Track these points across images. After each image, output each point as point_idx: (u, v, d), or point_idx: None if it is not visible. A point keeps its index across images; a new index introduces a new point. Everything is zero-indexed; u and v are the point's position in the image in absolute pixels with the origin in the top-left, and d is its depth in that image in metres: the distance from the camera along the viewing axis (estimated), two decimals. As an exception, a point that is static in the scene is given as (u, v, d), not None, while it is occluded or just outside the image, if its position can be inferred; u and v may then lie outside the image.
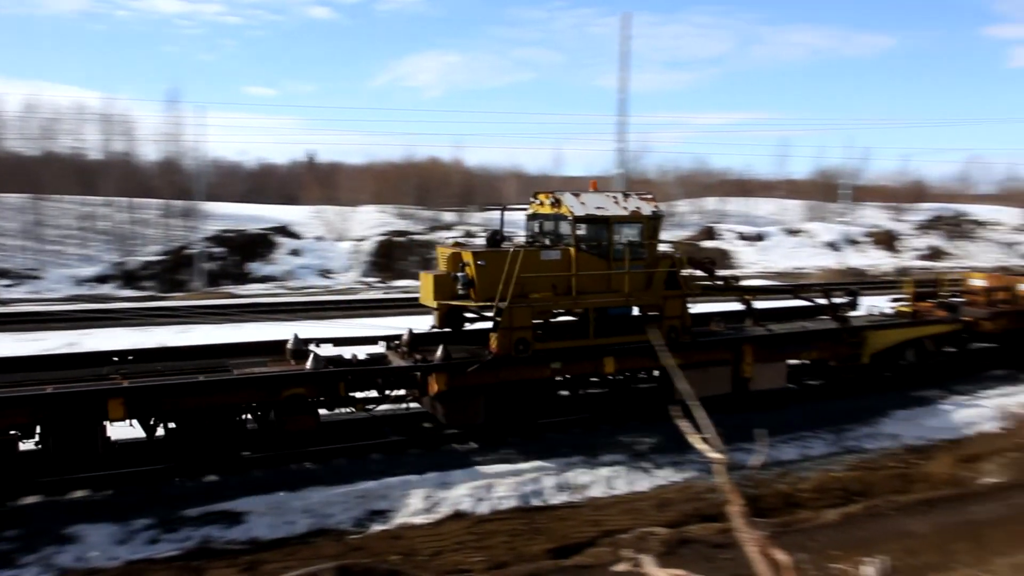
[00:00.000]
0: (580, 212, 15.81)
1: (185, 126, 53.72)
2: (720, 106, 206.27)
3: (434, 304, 15.81)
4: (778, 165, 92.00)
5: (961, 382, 20.83)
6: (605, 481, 13.96)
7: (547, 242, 16.46)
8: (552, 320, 16.43)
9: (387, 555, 10.71)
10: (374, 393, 15.07)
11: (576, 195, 16.29)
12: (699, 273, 18.01)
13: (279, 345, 15.58)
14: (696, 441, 4.33)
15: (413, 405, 16.19)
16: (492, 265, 15.04)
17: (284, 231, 50.38)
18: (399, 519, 12.18)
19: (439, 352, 14.84)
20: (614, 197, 16.76)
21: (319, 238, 51.27)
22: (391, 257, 49.50)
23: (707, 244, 59.84)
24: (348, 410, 15.06)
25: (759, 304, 19.74)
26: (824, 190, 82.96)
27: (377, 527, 11.90)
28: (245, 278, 45.58)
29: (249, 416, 14.08)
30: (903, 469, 15.23)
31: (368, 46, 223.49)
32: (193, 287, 42.60)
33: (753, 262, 59.68)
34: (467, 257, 15.34)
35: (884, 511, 12.22)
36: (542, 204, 16.75)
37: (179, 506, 12.05)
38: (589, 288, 15.84)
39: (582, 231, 15.94)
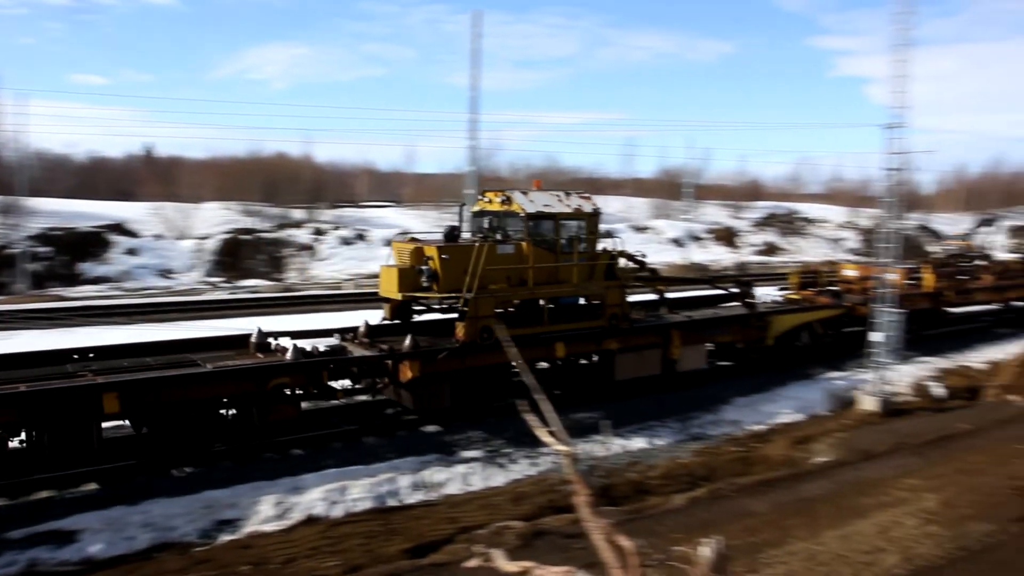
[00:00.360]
0: (531, 210, 17.27)
1: (3, 115, 49.58)
2: (570, 105, 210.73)
3: (399, 296, 16.47)
4: (625, 164, 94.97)
5: (837, 361, 22.92)
6: (461, 478, 13.95)
7: (499, 237, 17.48)
8: (508, 309, 17.61)
9: (236, 566, 10.26)
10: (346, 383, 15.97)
11: (525, 193, 17.80)
12: (632, 265, 19.82)
13: (230, 340, 15.96)
14: (544, 435, 4.34)
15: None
16: (455, 259, 16.13)
17: (119, 229, 47.40)
18: (249, 527, 11.70)
19: (408, 341, 15.57)
20: (557, 196, 18.37)
21: (158, 236, 48.59)
22: (237, 256, 47.63)
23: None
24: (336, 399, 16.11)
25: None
26: (669, 189, 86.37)
27: (225, 537, 11.39)
28: (76, 279, 42.61)
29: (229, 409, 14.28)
30: (744, 453, 16.04)
31: (210, 35, 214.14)
32: (16, 290, 39.44)
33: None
34: (431, 251, 16.29)
35: (727, 493, 12.79)
36: (491, 202, 18.06)
37: (0, 528, 11.11)
38: (541, 279, 17.30)
39: (533, 227, 17.26)
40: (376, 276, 17.56)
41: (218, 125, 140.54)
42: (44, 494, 12.57)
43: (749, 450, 16.32)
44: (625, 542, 3.77)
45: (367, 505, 12.59)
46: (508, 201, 17.54)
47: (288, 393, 14.52)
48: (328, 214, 55.96)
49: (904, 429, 17.25)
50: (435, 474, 13.87)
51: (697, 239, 69.79)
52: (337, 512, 12.28)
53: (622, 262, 19.23)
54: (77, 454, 12.61)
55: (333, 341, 16.07)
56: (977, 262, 34.70)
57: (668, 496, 13.04)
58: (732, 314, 22.01)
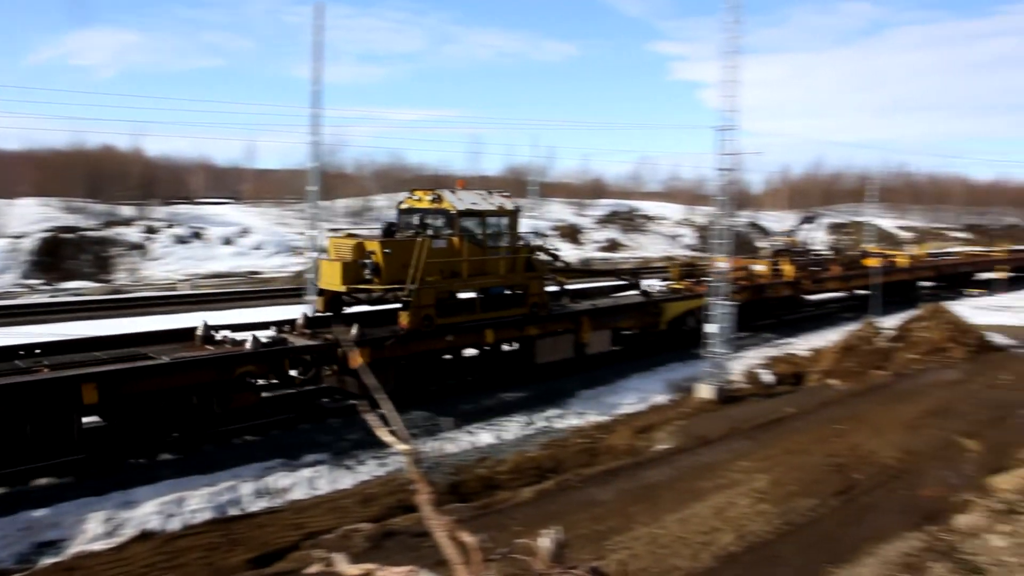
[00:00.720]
0: (461, 207, 18.63)
1: None
2: (415, 102, 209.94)
3: (342, 288, 17.38)
4: (471, 161, 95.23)
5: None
6: (307, 482, 13.58)
7: (430, 233, 18.49)
8: (445, 300, 18.60)
9: (60, 590, 9.54)
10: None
11: (453, 192, 19.21)
12: (547, 258, 21.72)
13: (170, 334, 16.25)
14: (384, 434, 4.27)
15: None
16: (396, 253, 17.21)
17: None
18: (75, 548, 10.90)
19: (354, 330, 16.43)
20: (481, 195, 19.75)
21: (-34, 236, 44.60)
22: (58, 256, 44.29)
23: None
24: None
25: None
26: (515, 186, 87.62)
27: (48, 560, 10.55)
28: None
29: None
30: (589, 444, 16.46)
31: (26, 15, 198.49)
32: None
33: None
34: (373, 246, 17.25)
35: (573, 484, 13.08)
36: (420, 200, 19.32)
37: None
38: (472, 272, 18.74)
39: (462, 224, 18.60)
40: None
41: (36, 114, 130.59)
42: None
43: (595, 441, 16.76)
44: (467, 538, 3.77)
45: (207, 516, 12.02)
46: (439, 199, 18.81)
47: (250, 381, 15.32)
48: (161, 211, 52.98)
49: (737, 415, 18.23)
50: (279, 479, 13.44)
51: (543, 236, 71.08)
52: (174, 525, 11.66)
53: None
54: (58, 445, 12.83)
55: (271, 333, 16.30)
56: (812, 256, 38.50)
57: (517, 490, 13.18)
58: (632, 302, 24.29)
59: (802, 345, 27.07)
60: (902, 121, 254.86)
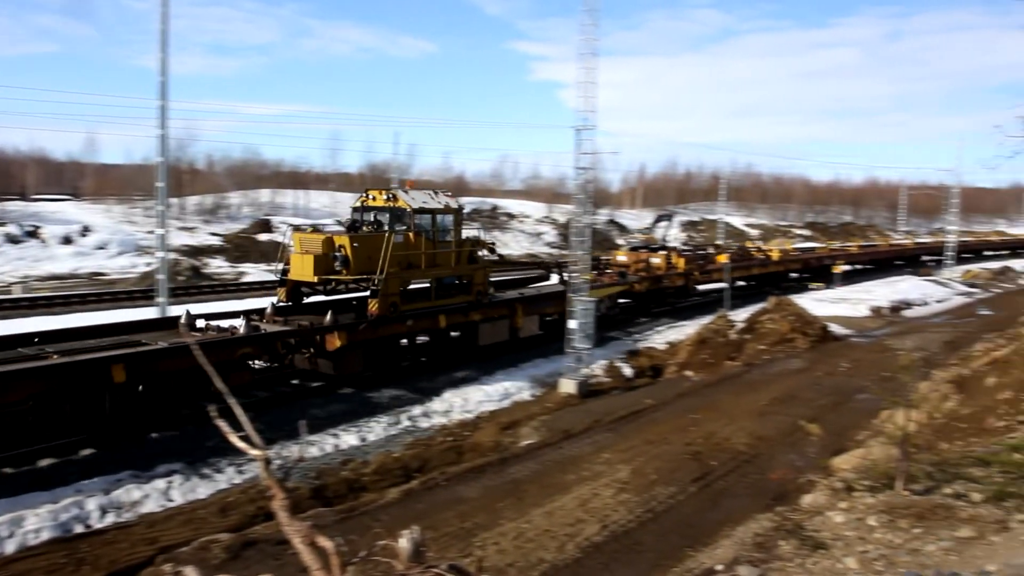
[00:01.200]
0: (416, 205, 20.66)
1: None
2: (271, 97, 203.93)
3: (314, 279, 18.94)
4: (330, 158, 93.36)
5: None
6: (161, 493, 12.90)
7: (385, 229, 20.35)
8: (405, 289, 20.54)
9: None
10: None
11: (407, 192, 21.20)
12: (486, 252, 24.04)
13: (153, 323, 18.37)
14: (236, 440, 4.07)
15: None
16: (363, 247, 19.24)
17: None
18: None
19: (328, 317, 18.18)
20: (430, 194, 21.79)
21: None
22: None
23: (262, 237, 58.70)
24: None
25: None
26: (375, 183, 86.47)
27: None
28: None
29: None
30: (455, 442, 16.43)
31: None
32: None
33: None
34: (343, 241, 19.20)
35: (440, 483, 13.00)
36: (374, 199, 21.31)
37: None
38: (427, 264, 20.88)
39: (417, 220, 20.61)
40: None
41: None
42: None
43: (460, 439, 16.75)
44: (325, 542, 3.64)
45: (48, 535, 11.20)
46: (394, 198, 20.82)
47: (247, 362, 17.21)
48: (-9, 209, 49.19)
49: (599, 408, 18.65)
50: (130, 492, 12.68)
51: (484, 232, 70.43)
52: (9, 548, 10.80)
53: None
54: (92, 420, 14.26)
55: (241, 321, 17.45)
56: (699, 251, 43.11)
57: (383, 491, 12.99)
58: (555, 291, 26.57)
59: (688, 329, 28.02)
60: (750, 124, 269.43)
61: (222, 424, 4.04)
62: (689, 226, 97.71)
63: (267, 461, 3.85)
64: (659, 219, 76.21)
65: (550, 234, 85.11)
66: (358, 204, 21.76)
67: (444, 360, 21.94)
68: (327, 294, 19.84)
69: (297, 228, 21.58)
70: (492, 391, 19.84)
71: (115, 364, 14.33)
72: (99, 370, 14.10)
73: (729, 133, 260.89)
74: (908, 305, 39.48)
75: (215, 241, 55.93)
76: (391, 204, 20.85)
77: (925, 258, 53.59)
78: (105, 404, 14.36)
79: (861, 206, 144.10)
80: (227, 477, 13.73)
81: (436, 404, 18.61)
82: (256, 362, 18.19)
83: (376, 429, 16.83)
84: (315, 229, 20.53)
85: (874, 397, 18.21)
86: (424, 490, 12.71)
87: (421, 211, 20.82)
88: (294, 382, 19.54)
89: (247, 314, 18.27)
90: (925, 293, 43.09)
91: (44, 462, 13.72)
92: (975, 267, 60.18)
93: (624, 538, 10.81)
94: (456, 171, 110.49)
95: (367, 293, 19.22)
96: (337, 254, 19.03)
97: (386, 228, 20.37)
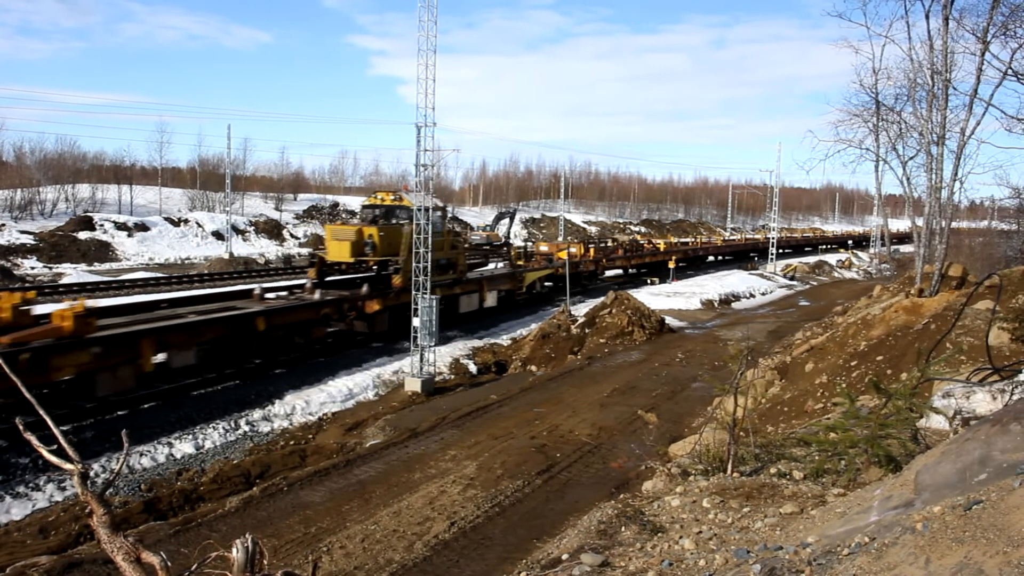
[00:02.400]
0: (419, 205, 23.65)
1: None
2: (89, 84, 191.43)
3: (351, 259, 25.66)
4: (157, 151, 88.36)
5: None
6: (-33, 516, 11.80)
7: (394, 222, 27.12)
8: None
9: None
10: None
11: (407, 193, 27.58)
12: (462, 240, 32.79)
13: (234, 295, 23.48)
14: (46, 453, 3.78)
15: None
16: (386, 235, 25.80)
17: None
18: None
19: (365, 288, 24.81)
20: (425, 194, 25.20)
21: None
22: None
23: (82, 235, 54.98)
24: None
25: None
26: (207, 179, 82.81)
27: None
28: None
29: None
30: (298, 445, 15.98)
31: None
32: None
33: (135, 253, 56.75)
34: (371, 231, 25.67)
35: (282, 488, 12.59)
36: (382, 200, 28.39)
37: None
38: (439, 251, 26.09)
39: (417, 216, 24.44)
40: None
41: None
42: None
43: (303, 442, 16.32)
44: (151, 558, 3.43)
45: None
46: (399, 199, 27.89)
47: (326, 319, 23.03)
48: None
49: (445, 405, 18.65)
50: (-69, 516, 11.54)
51: (240, 232, 67.96)
52: None
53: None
54: (246, 355, 20.49)
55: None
56: (602, 243, 53.30)
57: (221, 500, 12.45)
58: (506, 272, 34.43)
59: (496, 338, 28.32)
60: (588, 123, 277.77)
61: (32, 437, 3.72)
62: (530, 223, 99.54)
63: (83, 475, 3.58)
64: (500, 216, 77.34)
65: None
66: (368, 203, 28.95)
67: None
68: (341, 273, 26.82)
69: (331, 221, 29.51)
70: (335, 392, 19.41)
71: (258, 317, 20.17)
72: (253, 320, 19.99)
73: (568, 132, 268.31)
74: (736, 298, 41.90)
75: (27, 240, 51.80)
76: (397, 203, 27.83)
77: (772, 252, 57.99)
78: (253, 344, 20.46)
79: (692, 204, 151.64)
80: (47, 494, 12.75)
81: (277, 407, 17.99)
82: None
83: (213, 436, 16.07)
84: (344, 222, 28.34)
85: (706, 385, 19.19)
86: (266, 496, 12.27)
87: (421, 209, 24.83)
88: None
89: (291, 289, 25.41)
90: (751, 286, 45.86)
91: None
92: (795, 261, 64.58)
93: (473, 533, 10.86)
94: (294, 167, 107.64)
95: (370, 274, 27.31)
96: (367, 241, 25.42)
97: (399, 222, 26.96)
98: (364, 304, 24.11)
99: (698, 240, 77.21)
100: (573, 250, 41.59)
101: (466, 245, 32.63)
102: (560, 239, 54.38)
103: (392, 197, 28.10)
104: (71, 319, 15.12)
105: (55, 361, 14.86)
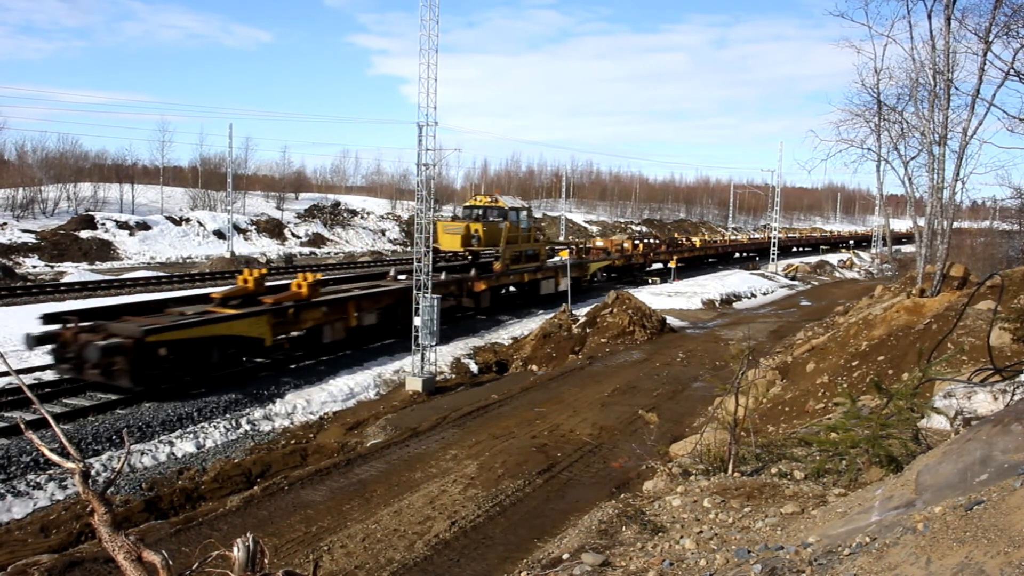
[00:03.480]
0: (510, 205, 33.71)
1: None
2: (91, 83, 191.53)
3: (461, 249, 32.27)
4: (159, 150, 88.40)
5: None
6: (-32, 515, 11.79)
7: (491, 219, 33.31)
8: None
9: None
10: None
11: (502, 195, 35.51)
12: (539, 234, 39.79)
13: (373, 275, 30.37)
14: (47, 451, 3.78)
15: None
16: (488, 230, 32.17)
17: None
18: None
19: (474, 271, 31.00)
20: (512, 197, 34.00)
21: None
22: None
23: (84, 234, 55.01)
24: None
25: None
26: (208, 178, 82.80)
27: None
28: None
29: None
30: (299, 445, 15.98)
31: None
32: None
33: (136, 252, 56.79)
34: (476, 227, 32.06)
35: (283, 488, 12.60)
36: (480, 201, 34.75)
37: None
38: (517, 241, 34.05)
39: (511, 215, 33.52)
40: None
41: None
42: None
43: (304, 441, 16.32)
44: (152, 557, 3.43)
45: None
46: (496, 201, 34.26)
47: (447, 296, 27.44)
48: None
49: (446, 404, 18.65)
50: (-68, 515, 11.54)
51: (242, 231, 67.99)
52: None
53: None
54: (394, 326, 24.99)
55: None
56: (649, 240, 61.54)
57: (223, 499, 12.46)
58: (576, 261, 38.68)
59: (496, 338, 28.30)
60: (589, 123, 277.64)
61: (33, 436, 3.72)
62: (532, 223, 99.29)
63: (84, 474, 3.58)
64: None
65: (394, 231, 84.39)
66: (468, 204, 35.71)
67: (525, 302, 34.66)
68: (495, 256, 33.19)
69: (443, 218, 38.62)
70: (336, 391, 19.41)
71: (409, 291, 21.98)
72: (407, 293, 22.17)
73: (569, 132, 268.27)
74: (737, 298, 41.89)
75: (29, 239, 51.83)
76: (494, 204, 34.05)
77: (774, 252, 58.37)
78: (398, 314, 24.53)
79: (694, 204, 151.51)
80: (48, 492, 12.74)
81: (278, 406, 18.00)
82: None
83: (214, 435, 16.08)
84: (454, 219, 35.72)
85: (707, 385, 19.18)
86: (267, 496, 12.27)
87: (512, 209, 34.14)
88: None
89: (398, 273, 29.32)
90: (752, 286, 45.84)
91: None
92: (796, 261, 64.55)
93: (473, 533, 10.85)
94: (295, 166, 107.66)
95: (464, 262, 34.07)
96: (474, 234, 32.03)
97: (499, 220, 33.32)
98: (473, 284, 29.96)
99: (726, 237, 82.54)
100: (627, 244, 50.60)
101: (543, 237, 40.49)
102: (609, 237, 63.75)
103: (489, 199, 34.63)
104: (306, 287, 21.76)
105: (302, 315, 21.42)
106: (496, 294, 31.93)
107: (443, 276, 28.67)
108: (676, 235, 77.97)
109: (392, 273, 28.81)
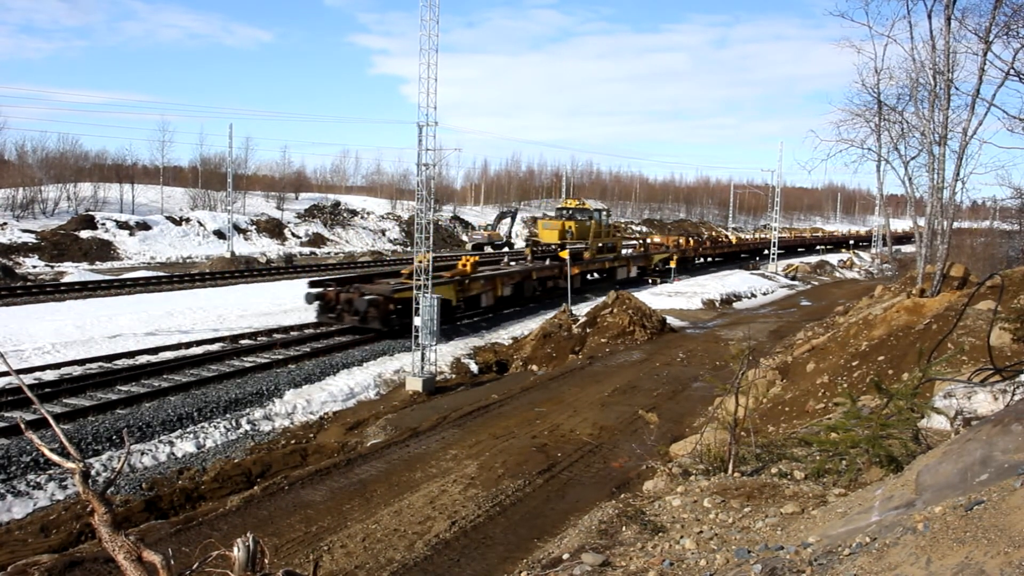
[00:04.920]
0: (594, 207, 43.86)
1: None
2: (91, 83, 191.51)
3: (558, 241, 39.76)
4: (159, 150, 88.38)
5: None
6: (-32, 515, 11.78)
7: (579, 219, 42.40)
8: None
9: None
10: None
11: (584, 200, 49.74)
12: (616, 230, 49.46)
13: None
14: (47, 451, 3.78)
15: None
16: (579, 227, 41.44)
17: None
18: None
19: (568, 258, 34.90)
20: (596, 201, 50.83)
21: None
22: None
23: (84, 234, 55.01)
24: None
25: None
26: (208, 178, 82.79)
27: None
28: None
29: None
30: (299, 445, 15.98)
31: None
32: None
33: (136, 252, 56.78)
34: (570, 224, 41.00)
35: (283, 487, 12.60)
36: (571, 203, 44.59)
37: None
38: (600, 237, 43.17)
39: (597, 215, 43.07)
40: None
41: None
42: None
43: (304, 441, 16.32)
44: (152, 556, 3.43)
45: None
46: (583, 203, 44.46)
47: (552, 277, 36.36)
48: None
49: (446, 404, 18.65)
50: (-68, 515, 11.53)
51: (242, 231, 67.98)
52: None
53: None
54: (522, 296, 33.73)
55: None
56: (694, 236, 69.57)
57: (223, 499, 12.46)
58: (635, 253, 49.23)
59: (496, 337, 28.31)
60: (589, 123, 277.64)
61: (33, 436, 3.71)
62: (531, 223, 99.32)
63: (84, 474, 3.58)
64: (502, 216, 77.32)
65: (394, 231, 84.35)
66: (560, 206, 45.08)
67: (602, 285, 41.63)
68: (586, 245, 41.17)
69: (542, 218, 51.78)
70: (336, 391, 19.40)
71: (533, 272, 33.25)
72: (531, 274, 33.11)
73: (569, 132, 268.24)
74: (738, 298, 41.89)
75: (29, 239, 51.82)
76: (582, 207, 44.07)
77: (774, 252, 59.11)
78: (524, 288, 33.41)
79: (694, 204, 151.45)
80: (48, 492, 12.73)
81: (278, 406, 17.99)
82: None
83: (214, 435, 16.07)
84: (551, 218, 44.78)
85: (708, 385, 19.17)
86: (267, 496, 12.27)
87: (596, 210, 43.65)
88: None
89: (517, 260, 38.20)
90: (752, 286, 45.85)
91: None
92: (796, 261, 64.55)
93: (474, 533, 10.85)
94: (295, 166, 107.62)
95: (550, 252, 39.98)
96: (568, 230, 40.82)
97: (587, 219, 42.58)
98: (569, 270, 35.79)
99: (756, 236, 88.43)
100: (682, 241, 58.94)
101: (619, 233, 48.83)
102: (664, 236, 72.26)
103: (577, 203, 45.22)
104: (469, 265, 30.67)
105: (470, 285, 29.68)
106: (583, 278, 39.74)
107: (547, 262, 37.38)
108: (714, 233, 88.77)
109: (505, 260, 38.66)
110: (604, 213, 44.77)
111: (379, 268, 46.88)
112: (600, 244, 42.54)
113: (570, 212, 42.97)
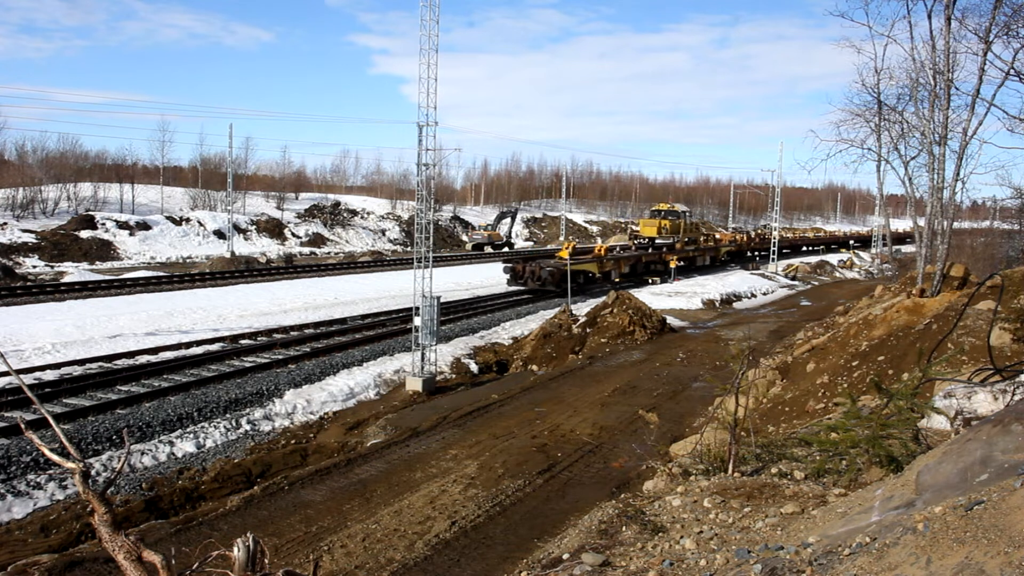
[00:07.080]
0: (682, 209, 55.92)
1: None
2: (91, 83, 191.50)
3: (656, 236, 51.45)
4: (159, 150, 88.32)
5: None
6: (-32, 515, 11.77)
7: (670, 218, 53.50)
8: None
9: None
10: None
11: (677, 202, 70.65)
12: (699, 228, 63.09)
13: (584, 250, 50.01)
14: (47, 451, 3.78)
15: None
16: (671, 225, 52.63)
17: None
18: None
19: (665, 249, 50.41)
20: (681, 204, 63.36)
21: None
22: None
23: (84, 234, 55.00)
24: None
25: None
26: (208, 178, 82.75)
27: None
28: None
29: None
30: (299, 445, 15.98)
31: None
32: None
33: (136, 252, 56.77)
34: (666, 223, 52.13)
35: (283, 487, 12.60)
36: (664, 206, 56.50)
37: None
38: (688, 234, 55.69)
39: (685, 216, 55.51)
40: None
41: None
42: None
43: (304, 441, 16.32)
44: (152, 556, 3.43)
45: None
46: (673, 207, 55.77)
47: (655, 262, 49.37)
48: None
49: (446, 404, 18.64)
50: (-68, 514, 11.53)
51: (241, 231, 67.98)
52: None
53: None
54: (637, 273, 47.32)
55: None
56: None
57: (223, 499, 12.47)
58: (704, 247, 58.61)
59: (495, 336, 28.30)
60: (589, 122, 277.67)
61: (33, 436, 3.71)
62: (531, 222, 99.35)
63: (84, 474, 3.57)
64: (502, 216, 77.34)
65: (394, 230, 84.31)
66: (655, 208, 55.48)
67: (692, 270, 53.42)
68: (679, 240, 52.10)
69: (643, 216, 63.06)
70: (336, 391, 19.40)
71: (642, 255, 47.95)
72: (641, 257, 47.22)
73: (570, 132, 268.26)
74: (738, 297, 41.87)
75: (29, 238, 51.81)
76: (672, 208, 54.11)
77: (774, 252, 59.65)
78: (638, 268, 46.93)
79: (694, 203, 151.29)
80: (48, 492, 12.73)
81: (278, 406, 17.99)
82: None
83: (214, 434, 16.07)
84: (649, 217, 54.18)
85: (708, 385, 19.17)
86: (267, 496, 12.27)
87: (683, 211, 53.39)
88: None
89: (623, 249, 49.45)
90: (752, 286, 45.83)
91: None
92: (796, 261, 64.55)
93: (474, 533, 10.85)
94: (295, 166, 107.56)
95: (647, 245, 51.71)
96: (663, 227, 50.36)
97: (676, 218, 52.70)
98: (666, 257, 48.49)
99: (796, 233, 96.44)
100: (739, 237, 68.20)
101: (703, 230, 60.67)
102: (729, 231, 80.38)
103: (668, 205, 56.47)
104: (603, 250, 44.09)
105: (604, 264, 41.63)
106: (680, 262, 49.60)
107: (649, 250, 49.47)
108: (760, 231, 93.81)
109: (617, 249, 50.15)
110: (688, 213, 56.82)
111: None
112: (687, 238, 53.91)
113: (663, 212, 54.07)
